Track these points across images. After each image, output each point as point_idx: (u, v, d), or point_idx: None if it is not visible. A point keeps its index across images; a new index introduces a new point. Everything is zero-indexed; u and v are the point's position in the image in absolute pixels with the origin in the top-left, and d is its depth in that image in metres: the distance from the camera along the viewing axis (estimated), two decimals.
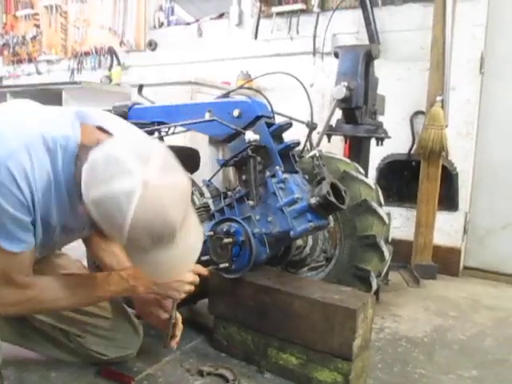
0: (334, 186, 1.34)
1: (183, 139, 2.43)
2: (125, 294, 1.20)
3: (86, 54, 4.04)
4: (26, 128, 0.94)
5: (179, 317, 1.30)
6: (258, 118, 1.47)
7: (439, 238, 2.53)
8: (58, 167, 0.97)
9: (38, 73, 4.40)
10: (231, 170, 2.48)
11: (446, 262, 2.50)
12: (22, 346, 1.31)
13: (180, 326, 1.29)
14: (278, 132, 1.47)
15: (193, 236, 0.99)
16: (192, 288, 1.22)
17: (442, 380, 1.40)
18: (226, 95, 1.64)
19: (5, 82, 4.48)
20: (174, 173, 0.90)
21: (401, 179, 2.73)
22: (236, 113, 1.50)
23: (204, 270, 1.28)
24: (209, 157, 2.60)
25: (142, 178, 0.83)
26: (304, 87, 1.50)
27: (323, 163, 1.39)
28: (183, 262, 1.02)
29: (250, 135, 1.40)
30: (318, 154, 1.38)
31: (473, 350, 1.62)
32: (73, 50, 4.15)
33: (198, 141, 2.39)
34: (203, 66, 3.35)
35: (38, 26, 4.39)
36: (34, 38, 4.42)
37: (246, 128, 1.48)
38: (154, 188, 0.84)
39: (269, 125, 1.46)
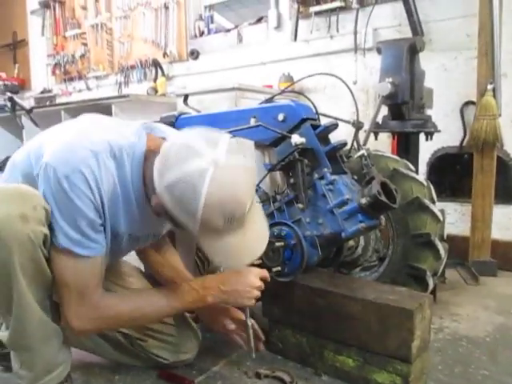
0: (384, 185, 1.32)
1: None
2: (196, 304, 1.21)
3: (132, 67, 4.18)
4: (93, 137, 1.00)
5: (253, 322, 1.33)
6: (303, 120, 1.48)
7: (497, 232, 2.42)
8: (125, 173, 1.03)
9: (88, 89, 4.60)
10: (278, 174, 2.49)
11: (506, 258, 2.38)
12: (85, 349, 1.36)
13: (258, 329, 1.33)
14: (324, 133, 1.46)
15: (259, 223, 1.05)
16: (259, 294, 1.23)
17: (507, 382, 1.34)
18: (270, 100, 1.66)
19: (58, 100, 4.71)
20: (241, 156, 0.96)
21: (453, 173, 2.63)
22: (281, 117, 1.51)
23: (267, 276, 1.28)
24: (255, 161, 2.63)
25: (213, 158, 0.90)
26: (348, 87, 1.49)
27: (372, 162, 1.37)
28: (253, 249, 1.05)
29: (296, 138, 1.41)
30: (366, 154, 1.37)
31: None
32: (119, 64, 4.31)
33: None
34: (245, 71, 3.39)
35: (85, 45, 4.59)
36: (82, 55, 4.63)
37: (291, 131, 1.48)
38: (224, 167, 0.91)
39: (314, 127, 1.46)
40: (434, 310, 1.70)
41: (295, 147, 1.42)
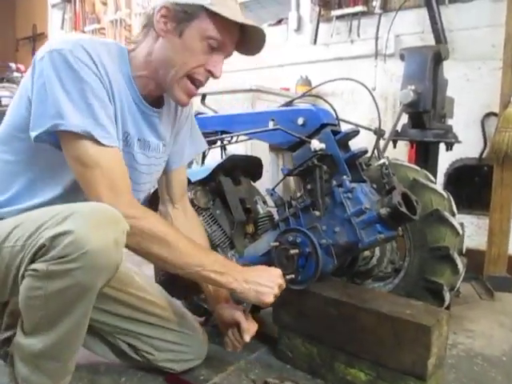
0: (404, 196, 1.28)
1: (244, 147, 2.45)
2: (218, 279, 1.10)
3: None
4: (84, 37, 1.01)
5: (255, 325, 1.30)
6: (323, 125, 1.45)
7: None
8: (118, 67, 1.04)
9: None
10: (292, 179, 2.46)
11: None
12: (90, 350, 1.34)
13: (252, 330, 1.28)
14: (344, 140, 1.43)
15: None
16: (278, 292, 1.18)
17: None
18: (290, 103, 1.63)
19: None
20: None
21: (471, 185, 2.58)
22: (300, 121, 1.48)
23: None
24: (269, 164, 2.60)
25: None
26: (371, 93, 1.46)
27: (393, 172, 1.34)
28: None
29: (316, 144, 1.38)
30: (387, 163, 1.33)
31: None
32: None
33: (259, 148, 2.40)
34: (262, 73, 3.36)
35: None
36: None
37: (310, 136, 1.45)
38: None
39: (334, 133, 1.43)
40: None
41: (314, 153, 1.39)
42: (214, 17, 1.01)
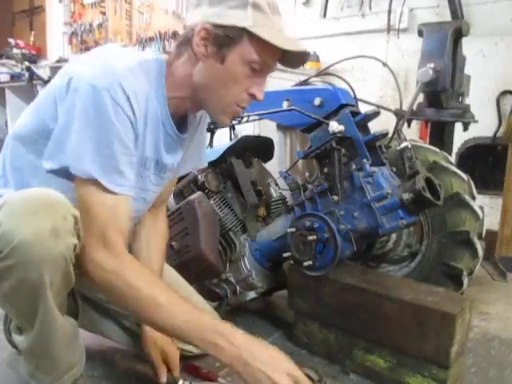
0: (428, 181, 1.24)
1: (252, 125, 2.39)
2: (206, 349, 0.90)
3: (151, 39, 4.06)
4: (123, 57, 0.97)
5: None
6: (342, 106, 1.39)
7: None
8: (153, 89, 0.99)
9: None
10: (301, 161, 2.41)
11: None
12: (97, 333, 1.33)
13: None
14: (363, 122, 1.38)
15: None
16: None
17: None
18: (305, 82, 1.57)
19: None
20: None
21: (484, 165, 2.53)
22: (317, 101, 1.43)
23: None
24: (276, 143, 2.54)
25: None
26: (393, 74, 1.40)
27: (416, 155, 1.29)
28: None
29: (335, 126, 1.33)
30: (409, 146, 1.28)
31: None
32: (137, 35, 4.20)
33: (267, 127, 2.34)
34: None
35: (104, 14, 4.48)
36: (100, 25, 4.52)
37: (328, 118, 1.40)
38: None
39: (354, 114, 1.38)
40: None
41: (333, 135, 1.34)
42: (257, 39, 0.94)
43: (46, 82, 3.20)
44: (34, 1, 5.20)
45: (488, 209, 2.48)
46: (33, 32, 5.16)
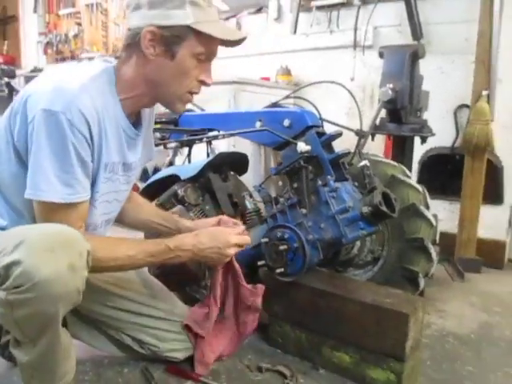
0: (385, 195, 1.39)
1: (227, 140, 2.51)
2: (172, 261, 1.21)
3: None
4: (74, 74, 1.04)
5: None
6: (309, 127, 1.53)
7: (483, 231, 2.53)
8: (108, 98, 1.07)
9: None
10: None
11: (491, 256, 2.51)
12: (93, 346, 1.40)
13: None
14: (328, 141, 1.52)
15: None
16: (233, 253, 1.27)
17: (490, 378, 1.46)
18: (276, 104, 1.70)
19: None
20: None
21: (444, 172, 2.73)
22: (287, 123, 1.56)
23: (247, 240, 1.31)
24: (251, 156, 2.68)
25: None
26: (354, 98, 1.55)
27: (373, 173, 1.44)
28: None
29: (302, 146, 1.47)
30: (368, 164, 1.43)
31: None
32: (114, 46, 4.27)
33: (242, 141, 2.46)
34: (242, 61, 3.39)
35: (79, 24, 4.52)
36: (76, 35, 4.56)
37: (296, 138, 1.54)
38: None
39: (319, 134, 1.52)
40: None
41: (300, 154, 1.48)
42: (202, 34, 1.06)
43: None
44: (6, 10, 5.20)
45: (448, 213, 2.68)
46: (6, 41, 5.16)
